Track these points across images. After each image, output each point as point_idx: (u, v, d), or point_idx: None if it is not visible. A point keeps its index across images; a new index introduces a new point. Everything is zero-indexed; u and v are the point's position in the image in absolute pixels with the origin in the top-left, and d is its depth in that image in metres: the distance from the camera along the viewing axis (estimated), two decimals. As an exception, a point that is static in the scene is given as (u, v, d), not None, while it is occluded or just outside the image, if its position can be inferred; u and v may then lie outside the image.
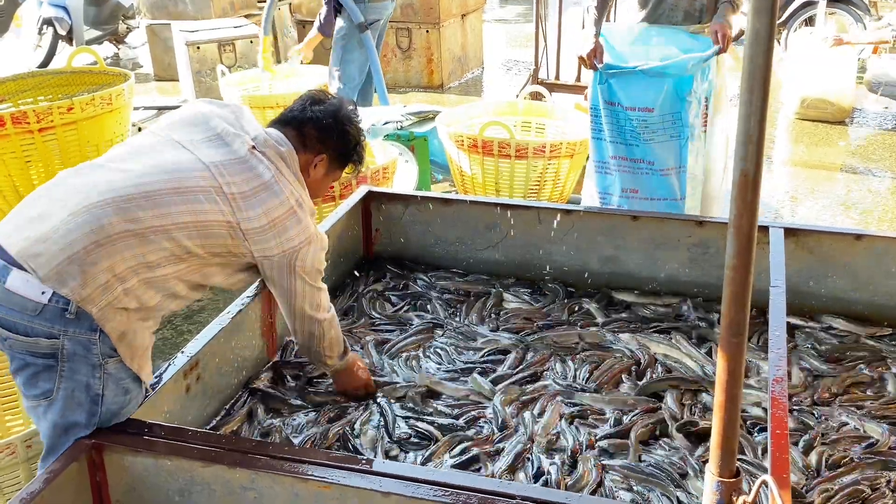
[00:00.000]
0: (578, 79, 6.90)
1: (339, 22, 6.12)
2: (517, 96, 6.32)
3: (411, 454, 2.63)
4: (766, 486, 1.37)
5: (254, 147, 2.39)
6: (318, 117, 2.56)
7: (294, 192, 2.44)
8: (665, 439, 2.68)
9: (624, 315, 3.38)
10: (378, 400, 2.85)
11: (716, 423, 1.43)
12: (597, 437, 2.66)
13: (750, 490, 1.41)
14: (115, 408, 2.24)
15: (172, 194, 2.23)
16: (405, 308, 3.47)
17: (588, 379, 2.98)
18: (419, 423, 2.74)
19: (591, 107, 3.91)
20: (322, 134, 2.55)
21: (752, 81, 1.25)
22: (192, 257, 2.28)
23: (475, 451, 2.60)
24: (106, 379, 2.19)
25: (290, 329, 2.71)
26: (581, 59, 3.86)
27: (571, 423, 2.74)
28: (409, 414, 2.80)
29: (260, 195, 2.35)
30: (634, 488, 2.46)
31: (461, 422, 2.75)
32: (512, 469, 2.53)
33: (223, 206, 2.30)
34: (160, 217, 2.20)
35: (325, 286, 2.65)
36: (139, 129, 5.16)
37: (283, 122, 2.58)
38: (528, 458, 2.57)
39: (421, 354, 3.13)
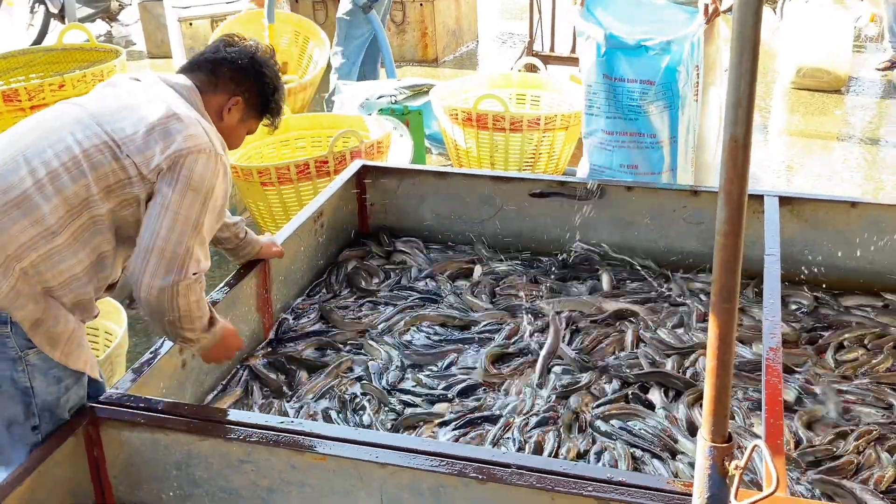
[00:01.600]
0: (573, 50, 6.85)
1: (344, 0, 6.15)
2: (512, 68, 6.29)
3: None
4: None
5: (137, 79, 2.23)
6: (233, 58, 2.35)
7: (181, 107, 2.19)
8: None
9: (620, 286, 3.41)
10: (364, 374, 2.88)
11: (707, 389, 1.43)
12: (594, 406, 2.68)
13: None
14: (52, 398, 2.11)
15: (41, 142, 2.07)
16: (400, 282, 3.47)
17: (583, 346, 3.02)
18: (411, 396, 2.76)
19: (586, 83, 3.85)
20: (237, 74, 2.34)
21: (741, 45, 1.24)
22: (87, 206, 2.07)
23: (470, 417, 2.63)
24: (31, 371, 2.05)
25: (131, 279, 2.17)
26: None
27: (566, 393, 2.76)
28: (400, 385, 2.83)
29: (135, 108, 2.15)
30: (629, 451, 2.49)
31: (452, 393, 2.77)
32: (505, 438, 2.55)
33: (95, 129, 2.10)
34: (36, 171, 2.03)
35: (207, 236, 2.23)
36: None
37: (191, 67, 2.37)
38: (524, 428, 2.59)
39: (414, 328, 3.14)
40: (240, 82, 2.36)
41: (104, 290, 2.25)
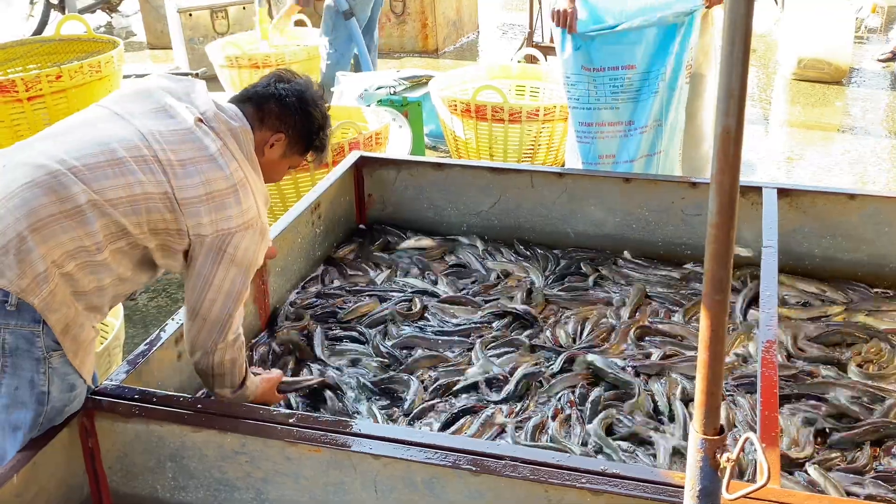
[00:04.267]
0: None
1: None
2: (512, 59, 6.28)
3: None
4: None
5: (200, 120, 2.23)
6: (282, 95, 2.37)
7: (241, 171, 2.25)
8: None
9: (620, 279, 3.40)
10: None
11: (699, 381, 1.43)
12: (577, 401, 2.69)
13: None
14: (60, 404, 2.14)
15: (105, 167, 2.08)
16: (398, 274, 3.46)
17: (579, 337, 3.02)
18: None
19: (565, 76, 3.82)
20: (283, 111, 2.37)
21: (733, 33, 1.23)
22: (128, 236, 2.13)
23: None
24: (51, 374, 2.08)
25: (185, 339, 2.38)
26: (556, 13, 3.67)
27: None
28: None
29: (200, 165, 2.18)
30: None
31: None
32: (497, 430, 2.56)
33: (160, 176, 2.14)
34: (94, 193, 2.06)
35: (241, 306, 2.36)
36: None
37: (242, 99, 2.41)
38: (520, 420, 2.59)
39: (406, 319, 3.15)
40: (285, 119, 2.38)
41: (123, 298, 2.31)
